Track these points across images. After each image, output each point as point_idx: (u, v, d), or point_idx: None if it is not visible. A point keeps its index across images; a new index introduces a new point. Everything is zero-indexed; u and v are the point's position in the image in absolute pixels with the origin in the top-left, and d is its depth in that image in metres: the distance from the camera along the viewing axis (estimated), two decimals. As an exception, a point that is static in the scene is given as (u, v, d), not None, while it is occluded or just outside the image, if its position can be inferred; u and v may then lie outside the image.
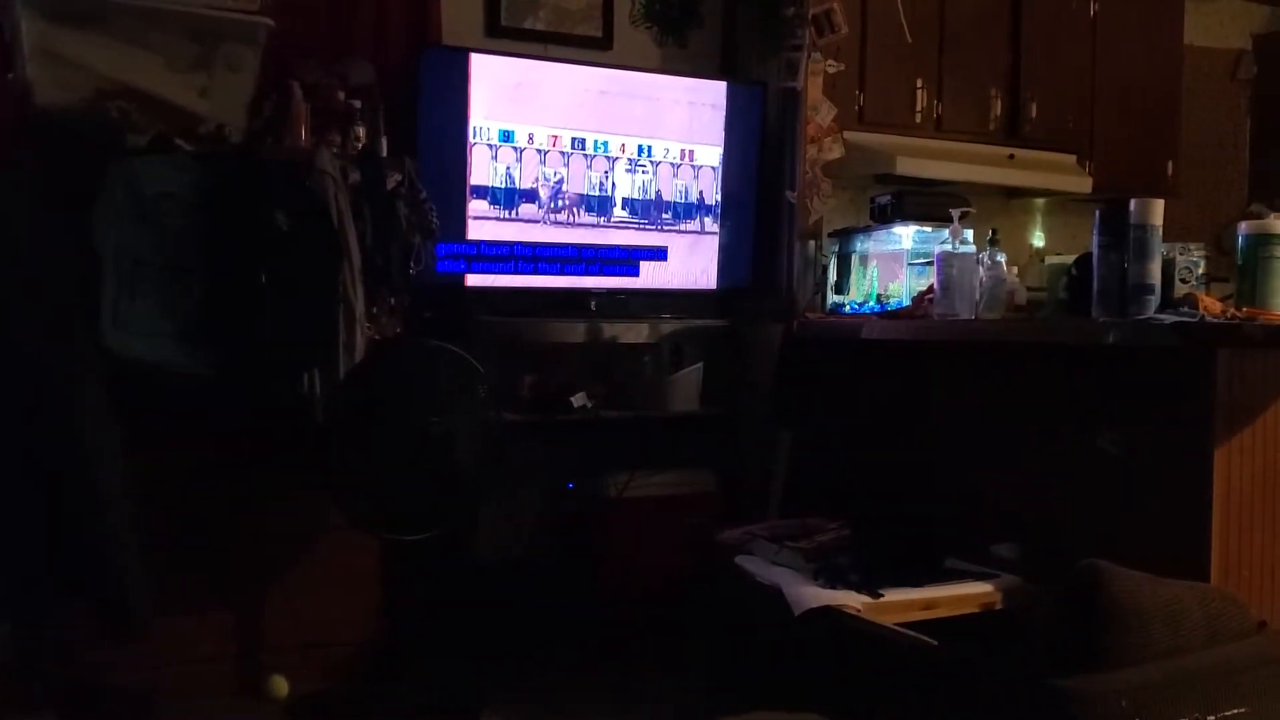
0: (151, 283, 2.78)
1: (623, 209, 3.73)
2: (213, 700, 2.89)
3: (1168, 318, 2.62)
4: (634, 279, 3.77)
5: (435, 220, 3.17)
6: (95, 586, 2.57)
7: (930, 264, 3.46)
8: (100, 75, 2.89)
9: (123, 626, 2.61)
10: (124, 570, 2.57)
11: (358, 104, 3.22)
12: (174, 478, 2.81)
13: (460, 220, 3.47)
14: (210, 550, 2.91)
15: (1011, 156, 4.47)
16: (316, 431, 2.85)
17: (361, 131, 3.20)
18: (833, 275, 4.02)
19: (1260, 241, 2.70)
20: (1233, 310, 2.63)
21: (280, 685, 2.97)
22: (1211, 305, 2.67)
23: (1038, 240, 4.96)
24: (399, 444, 2.82)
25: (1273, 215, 2.73)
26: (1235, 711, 2.11)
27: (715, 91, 3.87)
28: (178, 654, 2.87)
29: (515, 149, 3.54)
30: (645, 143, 3.74)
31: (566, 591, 3.54)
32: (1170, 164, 4.88)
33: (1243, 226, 2.73)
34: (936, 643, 2.48)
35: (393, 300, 3.11)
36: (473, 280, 3.50)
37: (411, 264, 3.10)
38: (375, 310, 3.04)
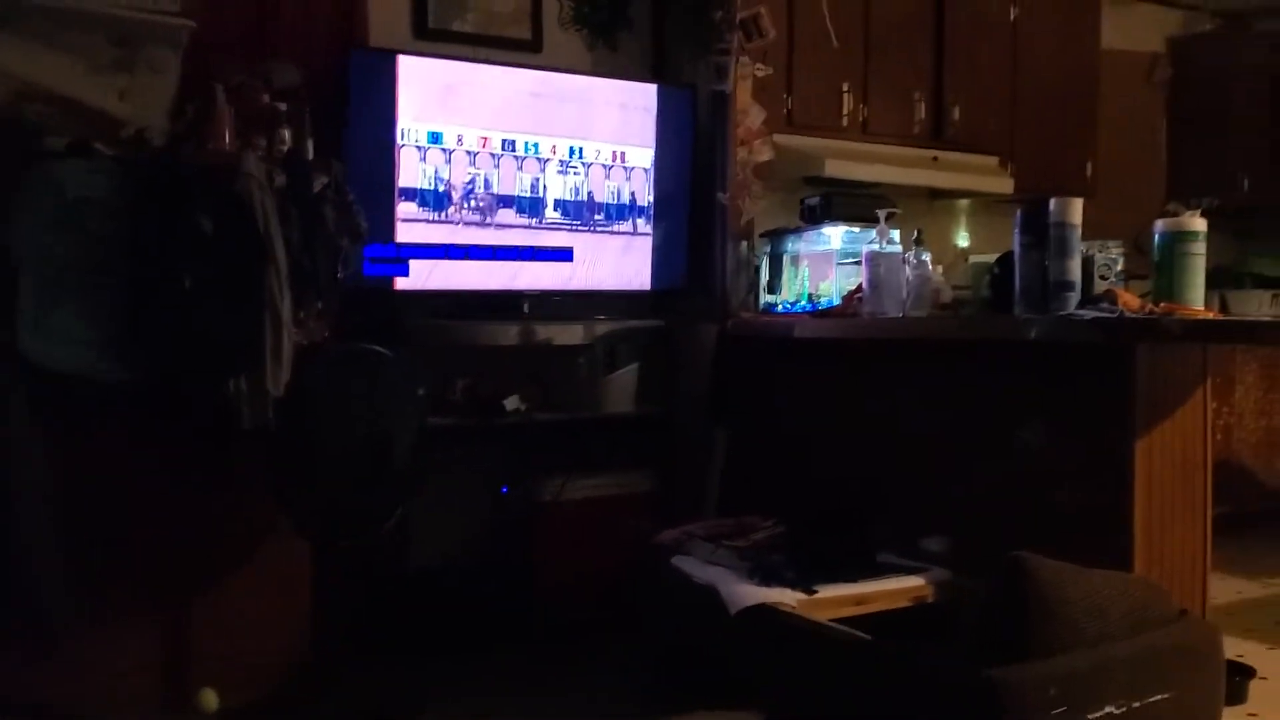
0: (72, 289, 2.71)
1: (555, 210, 3.72)
2: (140, 715, 2.83)
3: (1088, 313, 2.68)
4: (567, 280, 3.76)
5: (363, 223, 3.12)
6: (11, 598, 2.50)
7: (859, 263, 3.51)
8: (16, 78, 2.81)
9: (42, 640, 2.54)
10: (41, 581, 2.51)
11: (283, 106, 3.17)
12: (96, 486, 2.75)
13: (389, 223, 3.43)
14: (135, 560, 2.84)
15: (935, 159, 4.55)
16: (244, 437, 2.80)
17: (287, 134, 3.14)
18: (765, 275, 4.05)
19: (1176, 239, 2.77)
20: (1151, 306, 2.70)
21: (210, 698, 2.91)
22: (1130, 301, 2.73)
23: (962, 240, 5.05)
24: (330, 448, 2.79)
25: (1187, 213, 2.80)
26: (1158, 697, 2.17)
27: (646, 94, 3.89)
28: (102, 668, 2.78)
29: (444, 151, 3.52)
30: (576, 144, 3.74)
31: (503, 595, 3.53)
32: (1089, 165, 5.00)
33: (1159, 224, 2.81)
34: (870, 637, 2.51)
35: (320, 304, 3.06)
36: (402, 283, 3.47)
37: (339, 267, 3.06)
38: (303, 315, 3.00)
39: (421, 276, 3.49)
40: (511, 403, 3.60)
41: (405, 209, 3.47)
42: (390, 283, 3.46)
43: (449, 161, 3.53)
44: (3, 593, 2.52)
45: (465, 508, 3.67)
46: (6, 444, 2.52)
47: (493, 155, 3.60)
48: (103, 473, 2.77)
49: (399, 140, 3.44)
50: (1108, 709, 2.09)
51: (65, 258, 2.69)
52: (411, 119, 3.46)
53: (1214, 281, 4.61)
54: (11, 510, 2.50)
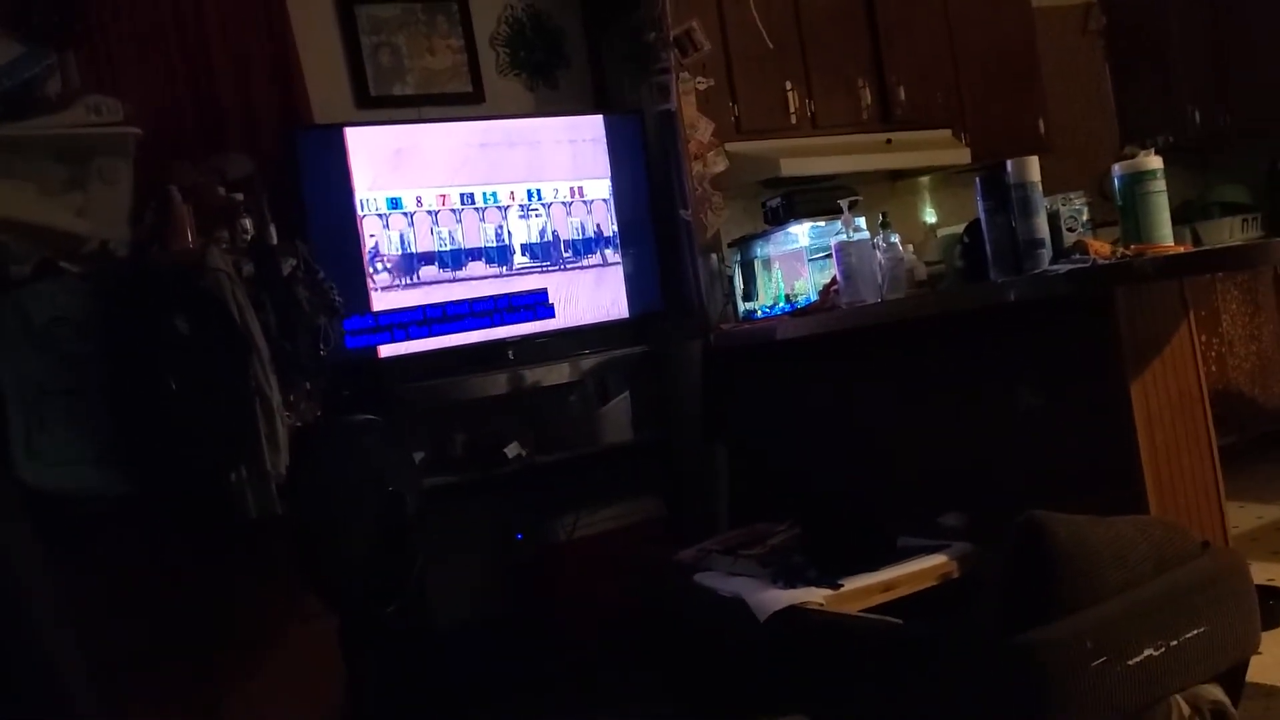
0: (59, 410, 2.72)
1: (523, 255, 3.74)
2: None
3: (1061, 267, 2.70)
4: (546, 321, 3.78)
5: (338, 298, 3.14)
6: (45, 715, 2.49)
7: (829, 256, 3.53)
8: (-30, 212, 2.83)
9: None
10: (72, 697, 2.50)
11: (240, 197, 3.20)
12: (116, 592, 2.74)
13: (363, 293, 3.45)
14: (163, 664, 2.83)
15: (889, 141, 4.58)
16: (253, 526, 2.80)
17: (249, 223, 3.17)
18: (739, 284, 4.07)
19: (1135, 180, 2.79)
20: (1122, 250, 2.72)
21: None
22: (1101, 249, 2.75)
23: (929, 216, 5.08)
24: (343, 519, 2.79)
25: (1143, 153, 2.82)
26: (1194, 632, 2.16)
27: (593, 126, 3.92)
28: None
29: (406, 214, 3.54)
30: (533, 187, 3.77)
31: (531, 638, 3.52)
32: (1041, 122, 5.03)
33: (1116, 168, 2.83)
34: (901, 622, 2.51)
35: (308, 384, 3.07)
36: (386, 350, 3.49)
37: (321, 345, 3.07)
38: (292, 397, 3.01)
39: (404, 340, 3.51)
40: (512, 450, 3.61)
41: (377, 278, 3.49)
42: (374, 351, 3.47)
43: (412, 224, 3.55)
44: (36, 710, 2.51)
45: (482, 559, 3.67)
46: (20, 566, 2.51)
47: (453, 211, 3.62)
48: (120, 583, 2.76)
49: (360, 210, 3.46)
50: (1147, 652, 2.09)
51: (45, 381, 2.69)
52: (368, 188, 3.48)
53: (1183, 216, 4.66)
54: (34, 631, 2.49)
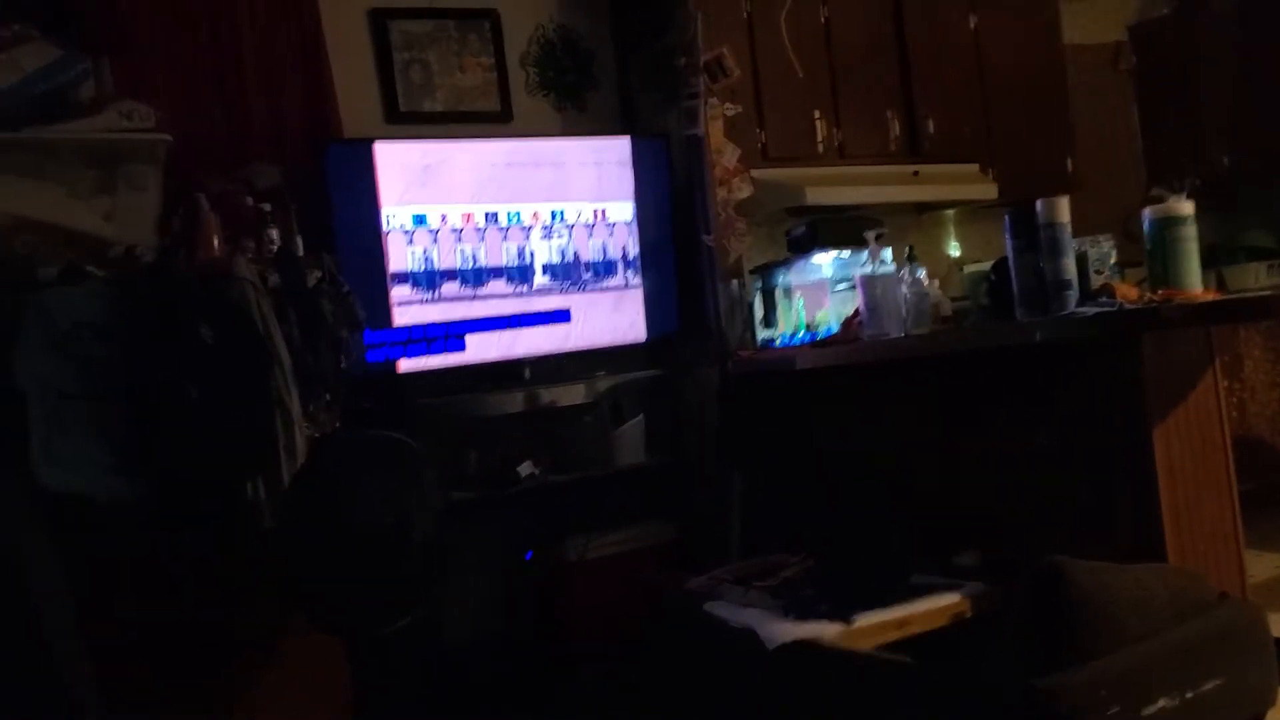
0: (80, 415, 2.72)
1: (543, 275, 3.75)
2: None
3: (1088, 310, 2.68)
4: (564, 342, 3.78)
5: (360, 311, 3.15)
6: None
7: (853, 288, 3.51)
8: (1, 213, 2.85)
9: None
10: (81, 704, 2.50)
11: (267, 207, 3.20)
12: (127, 600, 2.74)
13: (385, 308, 3.46)
14: (173, 671, 2.83)
15: (916, 173, 4.57)
16: (268, 539, 2.80)
17: (275, 234, 3.17)
18: (759, 311, 4.06)
19: (1165, 224, 2.77)
20: (1149, 294, 2.71)
21: (262, 804, 2.89)
22: (1128, 292, 2.73)
23: (954, 250, 5.07)
24: (350, 540, 2.78)
25: (1172, 198, 2.80)
26: (1211, 684, 2.15)
27: (619, 148, 3.92)
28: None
29: (430, 231, 3.55)
30: (557, 208, 3.77)
31: (538, 660, 3.51)
32: (1069, 160, 5.02)
33: (1147, 212, 2.81)
34: (912, 661, 2.49)
35: (328, 396, 3.08)
36: (405, 365, 3.49)
37: (342, 358, 3.08)
38: (311, 409, 3.01)
39: (423, 355, 3.51)
40: (525, 469, 3.61)
41: (399, 292, 3.50)
42: (394, 366, 3.48)
43: (435, 241, 3.56)
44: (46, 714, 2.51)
45: (491, 578, 3.66)
46: (35, 568, 2.51)
47: (477, 229, 3.63)
48: (132, 589, 2.76)
49: (385, 226, 3.48)
50: (1161, 703, 2.07)
51: (68, 385, 2.70)
52: (394, 203, 3.49)
53: (1209, 260, 4.60)
54: (43, 633, 2.50)
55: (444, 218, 3.57)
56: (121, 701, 2.60)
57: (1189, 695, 2.12)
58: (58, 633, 2.54)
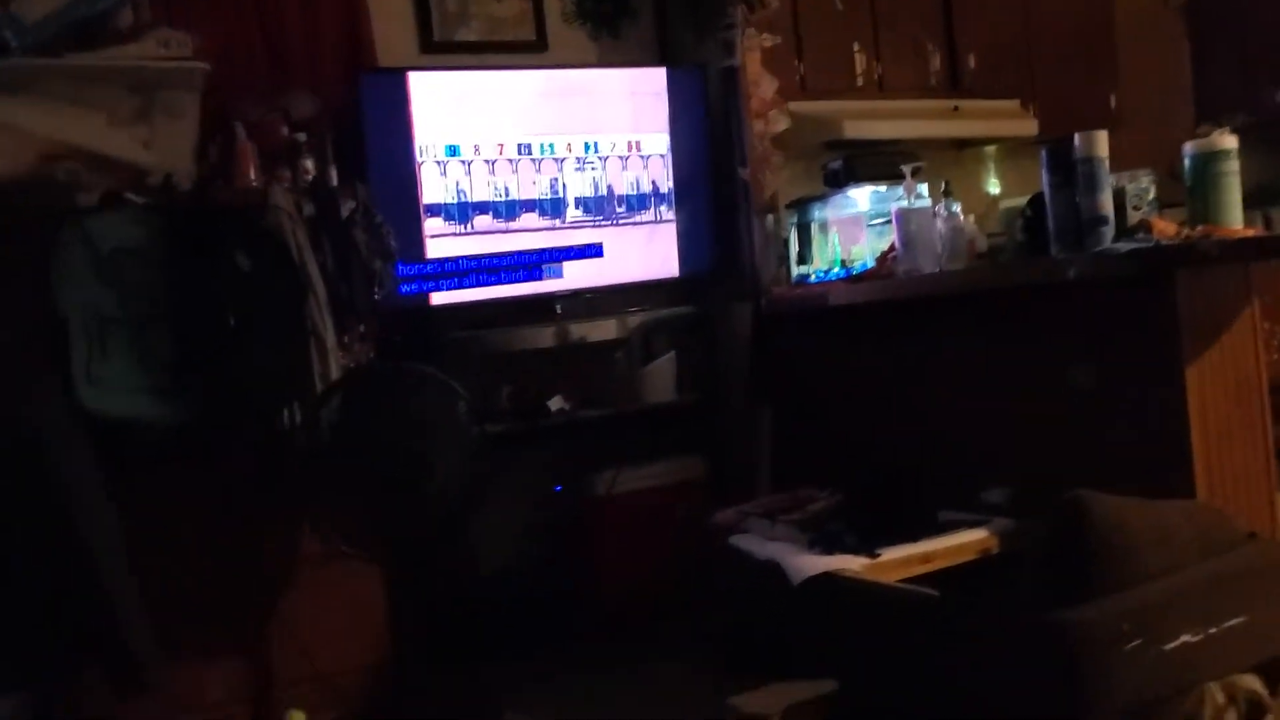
0: (120, 339, 2.78)
1: (576, 208, 3.74)
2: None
3: (1124, 246, 2.65)
4: (596, 276, 3.78)
5: (393, 243, 3.17)
6: (102, 645, 2.58)
7: (889, 223, 3.49)
8: (42, 139, 2.88)
9: (134, 681, 2.61)
10: (128, 625, 2.58)
11: (303, 136, 3.22)
12: (168, 526, 2.82)
13: (418, 240, 3.47)
14: (212, 594, 2.91)
15: (956, 108, 4.51)
16: (305, 465, 2.85)
17: (310, 163, 3.20)
18: (794, 246, 4.04)
19: (1207, 159, 2.74)
20: (1187, 231, 2.67)
21: (298, 719, 2.98)
22: (1166, 228, 2.70)
23: (993, 187, 5.00)
24: (386, 469, 2.82)
25: (1217, 132, 2.75)
26: (1234, 621, 2.15)
27: (655, 79, 3.89)
28: (192, 701, 2.87)
29: (463, 162, 3.55)
30: (591, 139, 3.75)
31: (568, 592, 3.56)
32: (1113, 97, 4.92)
33: (1187, 147, 2.77)
34: (936, 593, 2.51)
35: (362, 326, 3.11)
36: (437, 298, 3.51)
37: (375, 289, 3.11)
38: (346, 339, 3.05)
39: (455, 289, 3.54)
40: (555, 403, 3.63)
41: (432, 225, 3.51)
42: (426, 299, 3.50)
43: (469, 173, 3.56)
44: (92, 638, 2.59)
45: (522, 510, 3.70)
46: (79, 497, 2.58)
47: (510, 161, 3.62)
48: (173, 512, 2.84)
49: (418, 157, 3.48)
50: (1183, 638, 2.07)
51: (108, 309, 2.75)
52: (428, 134, 3.49)
53: (1257, 200, 4.53)
54: (92, 561, 2.57)
55: (477, 149, 3.56)
56: (163, 623, 2.67)
57: (1211, 631, 2.12)
58: (105, 550, 2.61)
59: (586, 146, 3.75)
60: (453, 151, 3.53)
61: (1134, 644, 2.03)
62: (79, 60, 2.92)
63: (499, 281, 3.61)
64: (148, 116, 3.05)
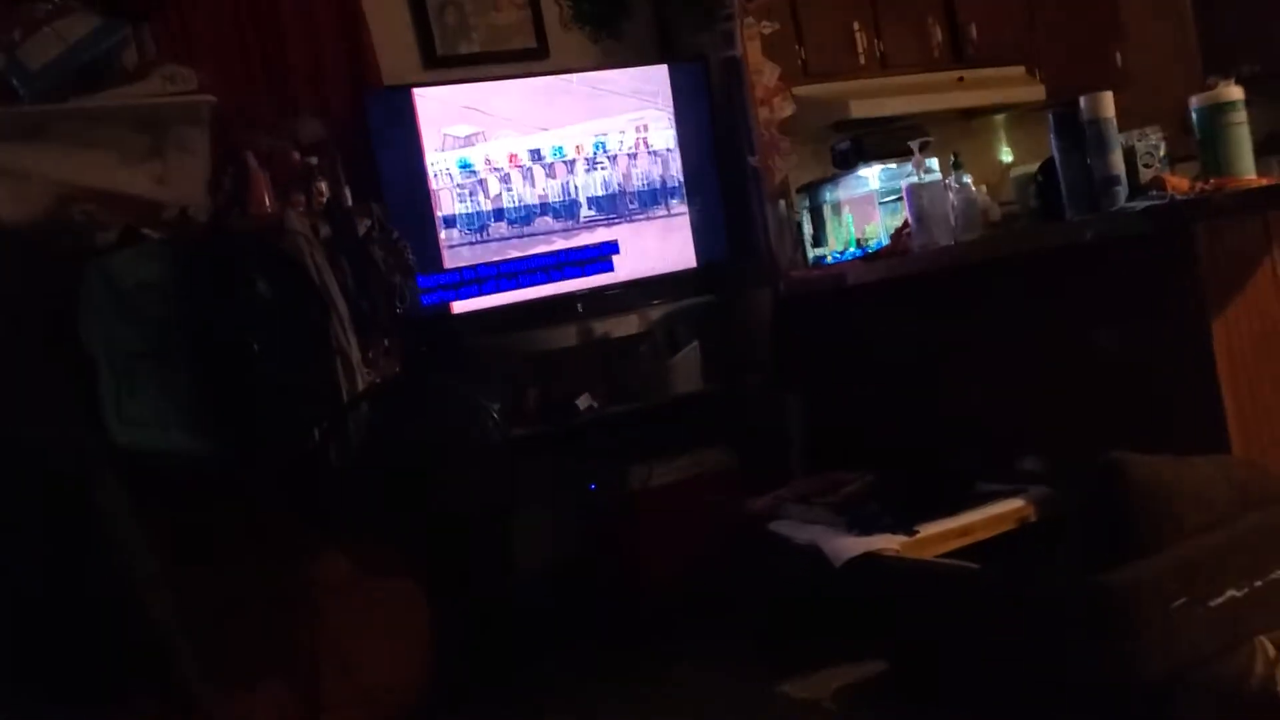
0: (147, 374, 2.80)
1: (590, 208, 3.75)
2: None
3: (1138, 204, 2.64)
4: (614, 273, 3.79)
5: (412, 256, 3.20)
6: (153, 676, 2.61)
7: (901, 199, 3.48)
8: (57, 182, 2.91)
9: (185, 710, 2.64)
10: (177, 654, 2.61)
11: (314, 160, 3.25)
12: (207, 553, 2.84)
13: (435, 251, 3.50)
14: (254, 618, 2.93)
15: (961, 79, 4.49)
16: (338, 483, 2.88)
17: (323, 186, 3.22)
18: (808, 229, 4.04)
19: (1215, 111, 2.71)
20: (1200, 184, 2.65)
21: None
22: (1179, 184, 2.69)
23: (1006, 156, 4.98)
24: (414, 484, 2.85)
25: (1222, 83, 2.73)
26: (1278, 573, 2.14)
27: (657, 76, 3.90)
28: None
29: (474, 172, 3.57)
30: (599, 139, 3.77)
31: (608, 589, 3.57)
32: (1117, 54, 4.89)
33: (1194, 100, 2.75)
34: (976, 566, 2.51)
35: (386, 341, 3.14)
36: (459, 306, 3.53)
37: (397, 303, 3.13)
38: (371, 354, 3.07)
39: (476, 296, 3.56)
40: (583, 401, 3.64)
41: (448, 235, 3.53)
42: (448, 308, 3.52)
43: (481, 182, 3.58)
44: (142, 669, 2.62)
45: (558, 512, 3.71)
46: (118, 526, 2.61)
47: (520, 168, 3.64)
48: (209, 541, 2.86)
49: (429, 170, 3.50)
50: (1229, 593, 2.07)
51: (132, 345, 2.78)
52: (437, 147, 3.52)
53: (1271, 148, 4.48)
54: (136, 593, 2.60)
55: (487, 158, 3.59)
56: (208, 649, 2.70)
57: (1257, 584, 2.12)
58: (149, 588, 2.64)
59: (595, 146, 3.76)
60: (463, 164, 3.55)
61: (1180, 602, 2.02)
62: (87, 103, 2.95)
63: (519, 285, 3.63)
64: (160, 152, 3.09)
